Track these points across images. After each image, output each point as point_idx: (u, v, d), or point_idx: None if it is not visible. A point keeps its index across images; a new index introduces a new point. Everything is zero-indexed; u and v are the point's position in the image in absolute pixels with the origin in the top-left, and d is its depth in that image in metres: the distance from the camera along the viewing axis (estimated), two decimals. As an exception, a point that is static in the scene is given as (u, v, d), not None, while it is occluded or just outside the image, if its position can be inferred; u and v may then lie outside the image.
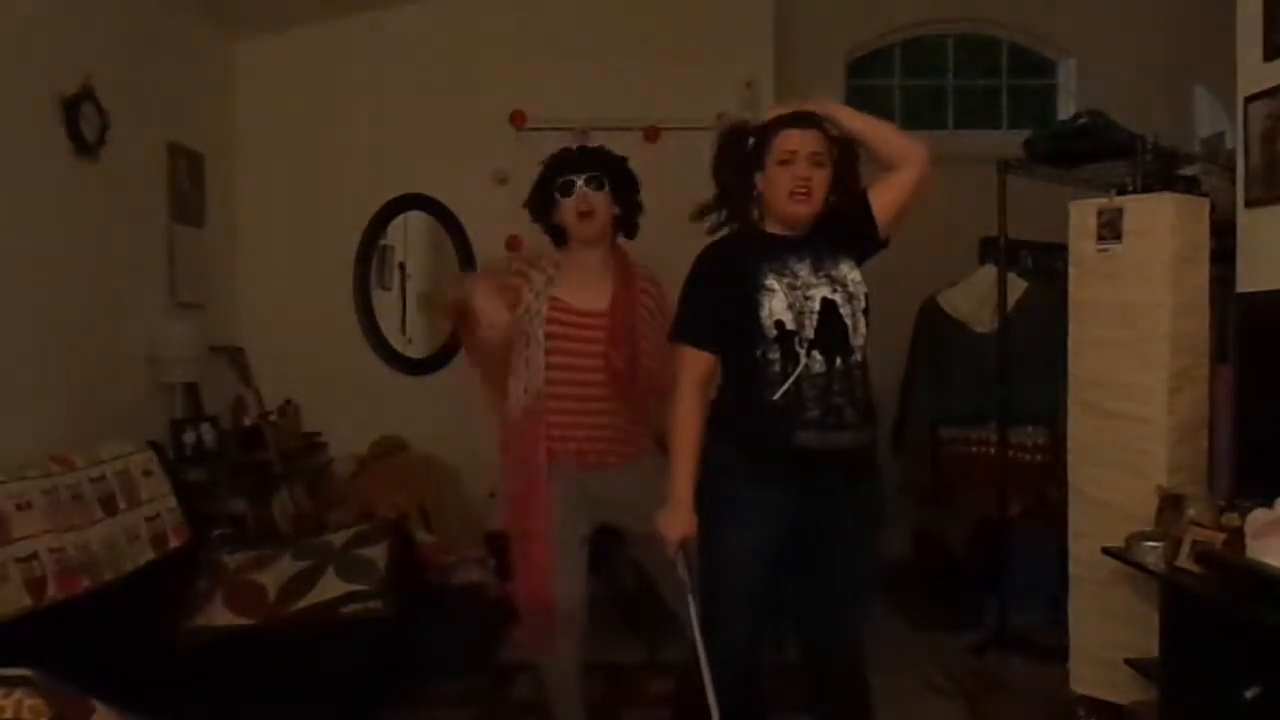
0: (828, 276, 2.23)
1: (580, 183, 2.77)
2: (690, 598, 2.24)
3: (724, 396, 2.29)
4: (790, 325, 2.17)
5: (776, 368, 2.18)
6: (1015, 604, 3.76)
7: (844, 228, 2.28)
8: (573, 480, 2.75)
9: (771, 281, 2.19)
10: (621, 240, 2.91)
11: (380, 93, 4.38)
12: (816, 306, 2.19)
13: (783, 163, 2.21)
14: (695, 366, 2.26)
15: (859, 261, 2.28)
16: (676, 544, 2.24)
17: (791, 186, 2.20)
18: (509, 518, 2.87)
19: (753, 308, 2.18)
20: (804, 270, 2.23)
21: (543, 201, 2.84)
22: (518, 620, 2.88)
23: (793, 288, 2.20)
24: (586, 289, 2.78)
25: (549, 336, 2.75)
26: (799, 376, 2.17)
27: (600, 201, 2.78)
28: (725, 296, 2.23)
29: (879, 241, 2.31)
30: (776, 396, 2.17)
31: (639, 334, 2.78)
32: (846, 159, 2.29)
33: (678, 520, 2.23)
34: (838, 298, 2.21)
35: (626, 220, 2.88)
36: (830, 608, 2.34)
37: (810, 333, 2.17)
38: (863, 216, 2.28)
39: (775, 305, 2.18)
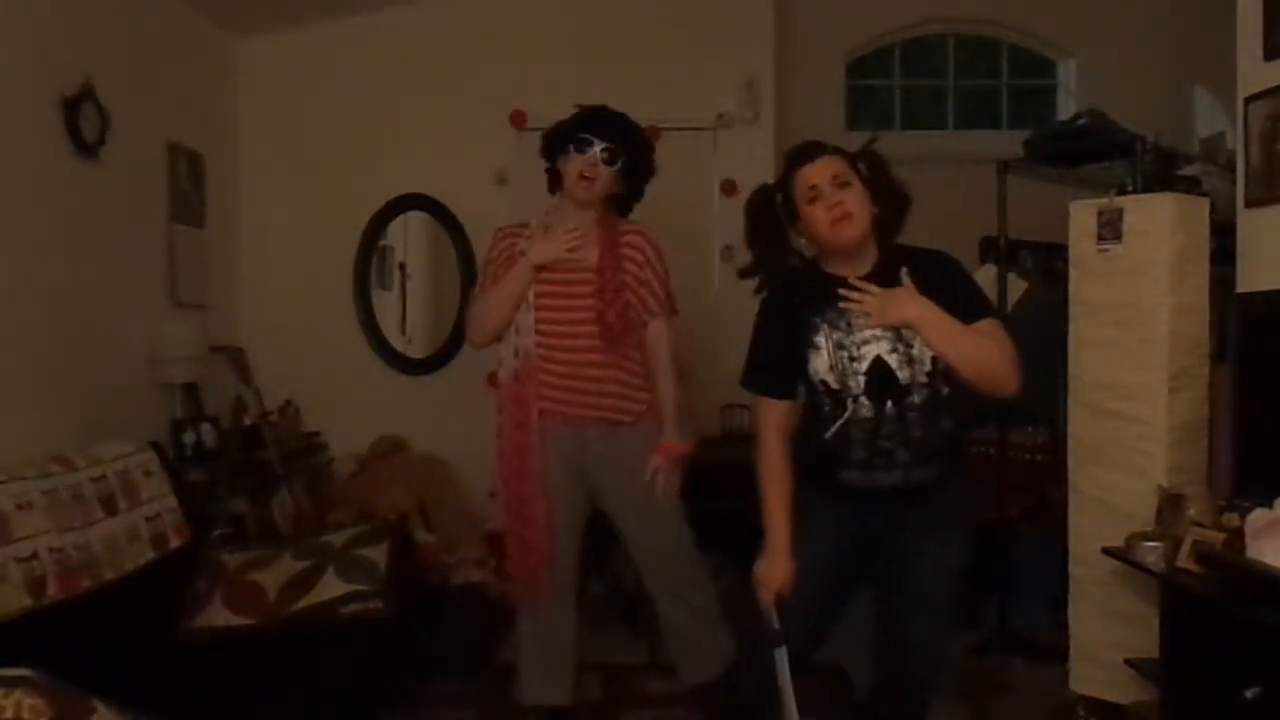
0: (895, 331, 2.14)
1: (598, 148, 2.77)
2: (781, 649, 2.21)
3: (798, 425, 2.30)
4: (834, 385, 2.17)
5: (827, 409, 2.20)
6: (1015, 604, 3.75)
7: (934, 297, 2.12)
8: (567, 441, 2.78)
9: (820, 338, 2.18)
10: None
11: (380, 93, 4.38)
12: (864, 367, 2.15)
13: (811, 201, 2.16)
14: (770, 412, 2.29)
15: None
16: (773, 593, 2.23)
17: (829, 217, 2.14)
18: (502, 476, 2.90)
19: (801, 361, 2.20)
20: (864, 321, 2.14)
21: (556, 143, 2.84)
22: (511, 580, 2.94)
23: (840, 346, 2.16)
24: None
25: (538, 295, 2.78)
26: (847, 420, 2.17)
27: (605, 174, 2.80)
28: (780, 348, 2.24)
29: None
30: (828, 435, 2.20)
31: (628, 288, 2.81)
32: (876, 171, 2.22)
33: (774, 569, 2.24)
34: (894, 359, 2.14)
35: (624, 200, 2.91)
36: (901, 624, 2.33)
37: (857, 390, 2.16)
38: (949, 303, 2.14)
39: (819, 365, 2.18)
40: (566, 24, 4.41)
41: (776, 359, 2.26)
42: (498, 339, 2.87)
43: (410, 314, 4.59)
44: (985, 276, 4.05)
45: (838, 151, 2.21)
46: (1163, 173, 3.07)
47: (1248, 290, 2.80)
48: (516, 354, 2.82)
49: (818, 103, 4.87)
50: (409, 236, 4.54)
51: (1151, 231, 2.90)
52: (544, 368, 2.80)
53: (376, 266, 4.50)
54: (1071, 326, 3.10)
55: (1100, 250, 3.00)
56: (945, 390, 2.17)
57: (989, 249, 4.05)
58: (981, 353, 2.12)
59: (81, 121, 3.13)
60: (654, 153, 2.92)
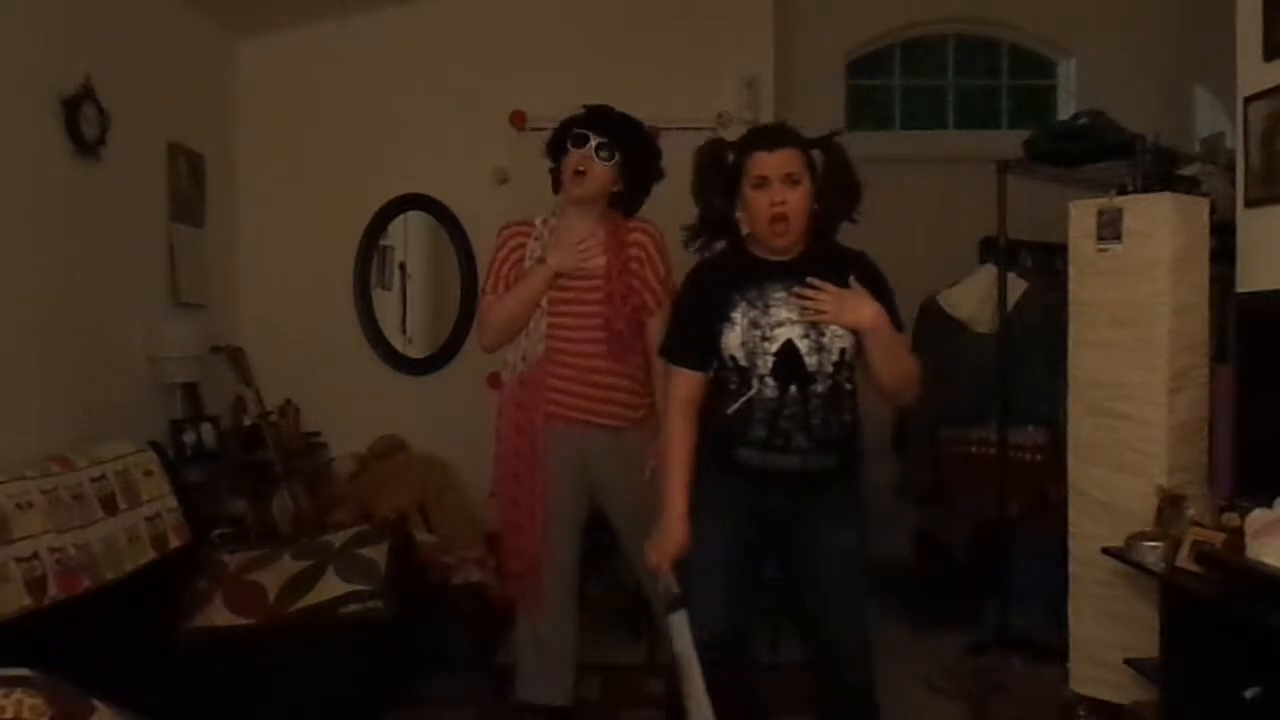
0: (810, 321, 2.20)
1: (592, 143, 2.78)
2: (680, 612, 2.21)
3: (705, 400, 2.32)
4: (742, 362, 2.20)
5: (733, 386, 2.23)
6: (1015, 604, 3.75)
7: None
8: (570, 443, 2.80)
9: (737, 315, 2.21)
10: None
11: (380, 93, 4.38)
12: (774, 348, 2.19)
13: (757, 187, 2.20)
14: (681, 384, 2.31)
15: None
16: (668, 559, 2.25)
17: (769, 213, 2.18)
18: (498, 478, 2.90)
19: (714, 336, 2.23)
20: (783, 306, 2.20)
21: (558, 144, 2.86)
22: (506, 582, 2.98)
23: (754, 325, 2.20)
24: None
25: (551, 301, 2.80)
26: (750, 399, 2.21)
27: (600, 170, 2.79)
28: (700, 320, 2.27)
29: None
30: (730, 411, 2.23)
31: (635, 292, 2.81)
32: (831, 161, 2.25)
33: (669, 535, 2.26)
34: (804, 344, 2.19)
35: (627, 199, 2.90)
36: (820, 610, 2.33)
37: (764, 370, 2.19)
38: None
39: (730, 340, 2.21)
40: (566, 24, 4.41)
41: (695, 331, 2.29)
42: (510, 341, 2.87)
43: (410, 314, 4.59)
44: (985, 276, 4.06)
45: (798, 142, 2.23)
46: (1163, 173, 3.08)
47: (1248, 290, 2.80)
48: (525, 358, 2.82)
49: (818, 103, 4.86)
50: (409, 236, 4.54)
51: (1151, 231, 2.90)
52: (552, 371, 2.80)
53: (377, 266, 4.50)
54: (1071, 326, 3.10)
55: (1100, 250, 3.01)
56: (849, 386, 2.23)
57: (989, 249, 4.05)
58: (907, 366, 2.27)
59: (81, 121, 3.13)
60: (659, 155, 2.92)
